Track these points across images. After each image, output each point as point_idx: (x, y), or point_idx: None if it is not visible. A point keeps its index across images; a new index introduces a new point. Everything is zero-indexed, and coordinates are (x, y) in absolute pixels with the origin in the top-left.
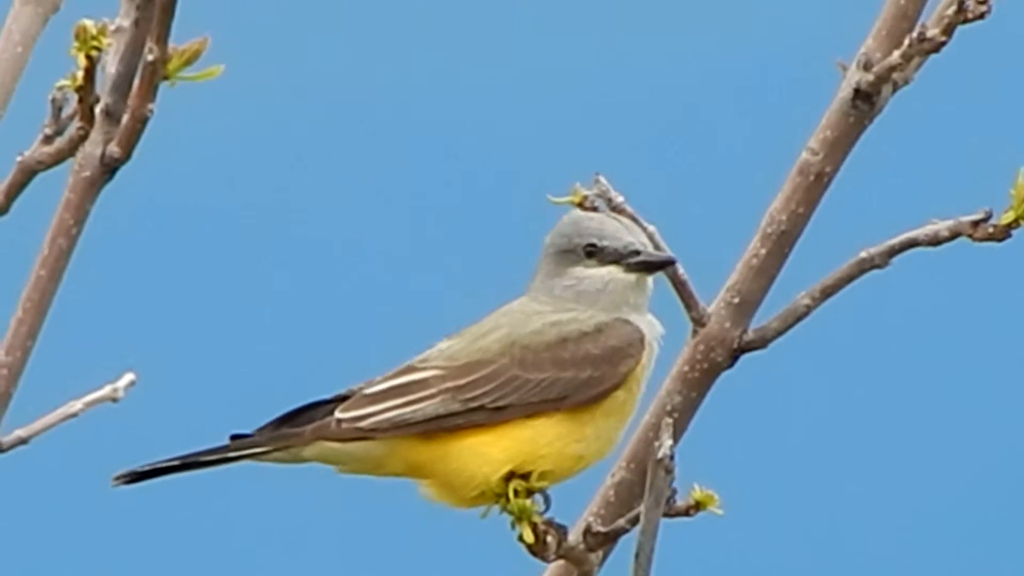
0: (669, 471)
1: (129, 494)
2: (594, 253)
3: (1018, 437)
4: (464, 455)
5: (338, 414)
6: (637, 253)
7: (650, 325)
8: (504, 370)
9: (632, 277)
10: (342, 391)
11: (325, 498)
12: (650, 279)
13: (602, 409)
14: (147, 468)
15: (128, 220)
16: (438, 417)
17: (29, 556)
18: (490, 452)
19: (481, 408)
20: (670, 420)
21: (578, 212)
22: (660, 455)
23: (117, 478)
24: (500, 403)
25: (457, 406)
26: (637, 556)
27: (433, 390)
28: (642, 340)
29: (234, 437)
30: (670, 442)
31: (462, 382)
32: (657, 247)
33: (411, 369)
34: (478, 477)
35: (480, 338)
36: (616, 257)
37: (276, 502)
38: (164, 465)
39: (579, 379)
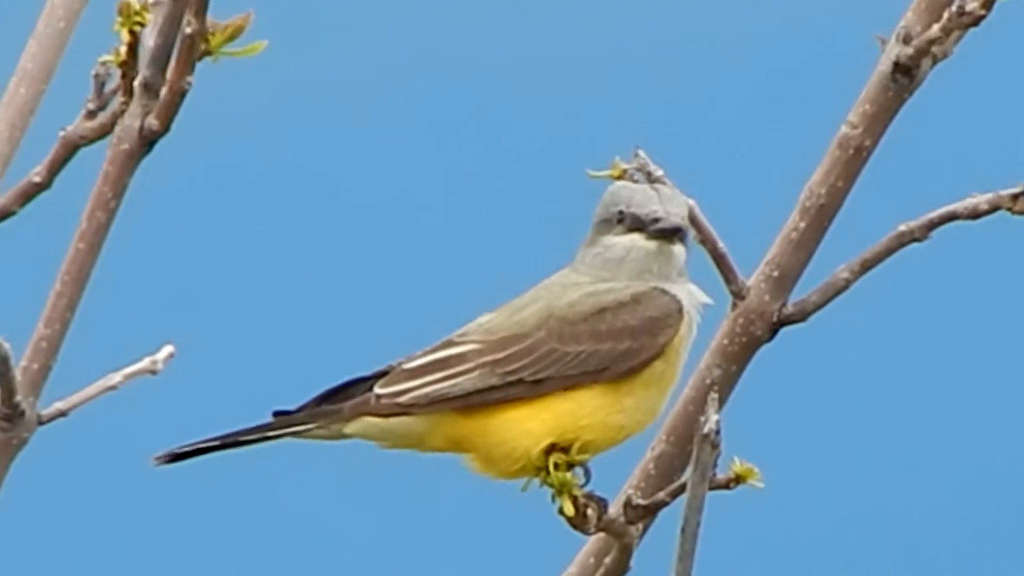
0: (715, 446)
1: (168, 469)
2: (622, 220)
3: None
4: (504, 429)
5: (377, 389)
6: (657, 220)
7: (689, 294)
8: (541, 343)
9: (653, 244)
10: (383, 367)
11: (363, 471)
12: (676, 248)
13: (641, 380)
14: (187, 448)
15: (166, 193)
16: (476, 391)
17: (67, 529)
18: (530, 425)
19: (519, 382)
20: (716, 395)
21: (620, 182)
22: (706, 430)
23: (157, 458)
24: (539, 376)
25: (495, 380)
26: (683, 530)
27: (471, 364)
28: (680, 310)
29: (276, 414)
30: (716, 417)
31: (500, 356)
32: (694, 220)
33: (450, 343)
34: (519, 450)
35: (518, 311)
36: (639, 224)
37: (317, 477)
38: (204, 445)
39: (617, 351)
